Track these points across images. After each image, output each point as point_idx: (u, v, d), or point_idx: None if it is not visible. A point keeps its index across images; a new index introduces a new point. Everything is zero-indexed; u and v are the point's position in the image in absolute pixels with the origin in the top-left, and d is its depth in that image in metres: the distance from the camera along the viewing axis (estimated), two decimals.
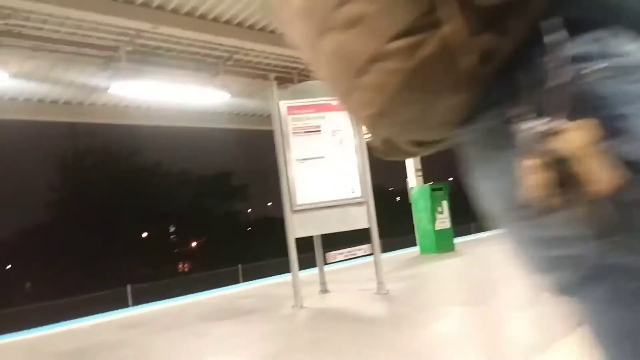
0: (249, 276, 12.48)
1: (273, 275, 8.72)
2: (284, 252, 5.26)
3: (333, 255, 14.30)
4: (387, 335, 3.66)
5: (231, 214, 43.61)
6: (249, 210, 48.21)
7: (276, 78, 5.57)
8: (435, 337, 3.53)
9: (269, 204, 43.59)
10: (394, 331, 3.79)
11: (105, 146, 38.82)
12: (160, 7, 6.54)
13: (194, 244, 42.28)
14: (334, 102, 5.35)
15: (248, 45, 7.74)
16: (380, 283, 5.43)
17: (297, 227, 5.23)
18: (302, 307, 5.11)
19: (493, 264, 6.81)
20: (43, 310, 14.17)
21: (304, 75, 8.86)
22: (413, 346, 3.30)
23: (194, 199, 41.23)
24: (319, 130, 5.33)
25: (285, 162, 5.25)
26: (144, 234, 39.59)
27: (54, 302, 16.23)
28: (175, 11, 6.68)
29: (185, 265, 38.63)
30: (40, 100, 8.49)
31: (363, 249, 14.40)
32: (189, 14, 6.81)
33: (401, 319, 4.27)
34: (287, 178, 5.24)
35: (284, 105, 5.31)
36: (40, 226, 33.52)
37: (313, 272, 6.69)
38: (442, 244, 9.15)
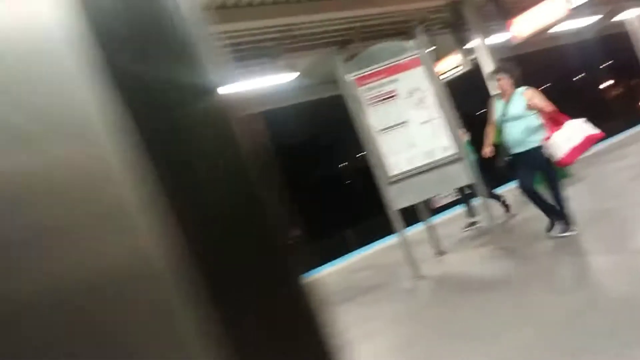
0: (356, 242, 12.45)
1: (379, 236, 8.57)
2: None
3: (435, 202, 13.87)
4: (524, 302, 3.38)
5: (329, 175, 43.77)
6: (344, 165, 47.66)
7: (336, 43, 5.30)
8: (587, 300, 3.19)
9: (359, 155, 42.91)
10: (531, 296, 3.49)
11: None
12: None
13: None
14: (403, 62, 4.98)
15: (301, 19, 7.48)
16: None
17: (396, 198, 5.02)
18: (421, 277, 4.96)
19: (620, 188, 6.02)
20: None
21: (363, 32, 8.42)
22: (560, 313, 2.94)
23: (289, 169, 41.96)
24: (395, 95, 5.00)
25: (369, 135, 5.03)
26: None
27: None
28: (223, 6, 6.55)
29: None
30: None
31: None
32: (236, 5, 6.67)
33: (534, 280, 3.90)
34: (374, 151, 5.02)
35: (352, 77, 5.03)
36: None
37: (419, 228, 6.44)
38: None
